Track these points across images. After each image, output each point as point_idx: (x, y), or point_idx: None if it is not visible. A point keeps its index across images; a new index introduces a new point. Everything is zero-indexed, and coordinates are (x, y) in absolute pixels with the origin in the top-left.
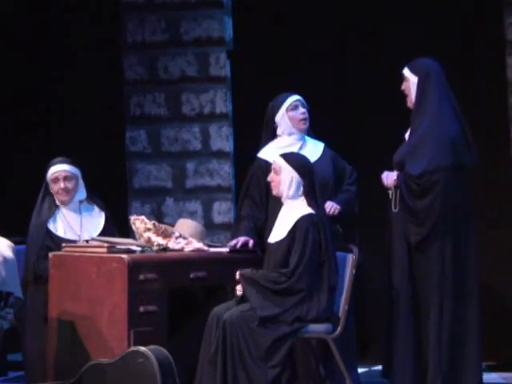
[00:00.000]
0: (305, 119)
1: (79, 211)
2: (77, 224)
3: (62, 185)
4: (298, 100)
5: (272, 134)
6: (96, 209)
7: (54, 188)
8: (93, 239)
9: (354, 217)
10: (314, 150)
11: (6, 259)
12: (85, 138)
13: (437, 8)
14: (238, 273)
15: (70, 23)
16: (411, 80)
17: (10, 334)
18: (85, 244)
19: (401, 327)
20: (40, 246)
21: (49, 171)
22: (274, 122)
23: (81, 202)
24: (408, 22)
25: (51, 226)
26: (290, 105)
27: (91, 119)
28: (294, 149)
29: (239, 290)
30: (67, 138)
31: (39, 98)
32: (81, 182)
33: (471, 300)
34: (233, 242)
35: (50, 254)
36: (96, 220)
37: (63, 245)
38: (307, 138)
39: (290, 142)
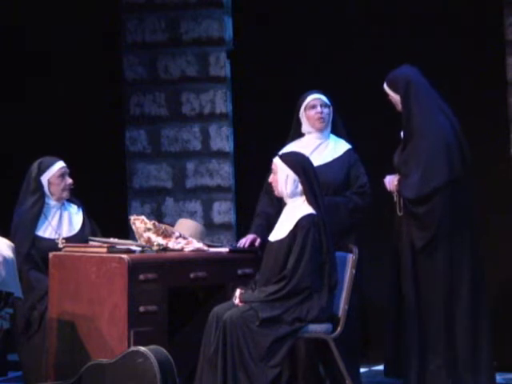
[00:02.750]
0: (320, 118)
1: (60, 210)
2: (56, 222)
3: (70, 180)
4: (316, 99)
5: (299, 130)
6: (75, 208)
7: (59, 185)
8: (91, 240)
9: (340, 225)
10: (332, 151)
11: (5, 259)
12: (85, 138)
13: (437, 8)
14: (237, 296)
15: (70, 23)
16: (394, 97)
17: (9, 334)
18: (83, 244)
19: (407, 330)
20: (26, 256)
21: (50, 169)
22: (299, 119)
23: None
24: (408, 22)
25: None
26: (308, 104)
27: (91, 119)
28: (310, 148)
29: (237, 297)
30: (67, 137)
31: (39, 98)
32: None
33: (481, 302)
34: (242, 241)
35: (50, 254)
36: (75, 218)
37: (63, 245)
38: (333, 137)
39: (307, 141)
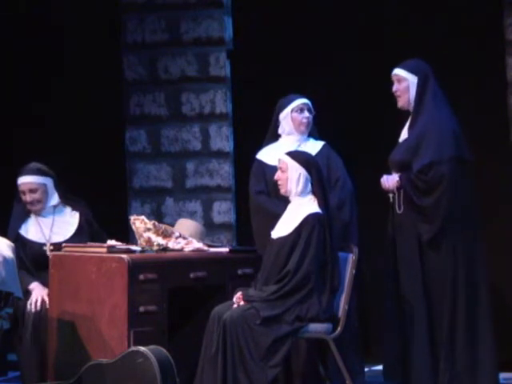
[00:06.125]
0: (306, 123)
1: (52, 215)
2: (47, 227)
3: (27, 198)
4: (305, 104)
5: (277, 132)
6: (69, 211)
7: (22, 198)
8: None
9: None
10: (311, 147)
11: (5, 259)
12: (85, 138)
13: (436, 8)
14: (238, 295)
15: (70, 23)
16: (410, 80)
17: (10, 333)
18: (83, 244)
19: (416, 327)
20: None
21: (18, 180)
22: (278, 120)
23: (55, 206)
24: (408, 22)
25: (22, 230)
26: (297, 106)
27: (91, 119)
28: (289, 148)
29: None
30: (67, 137)
31: (39, 98)
32: (50, 189)
33: (483, 297)
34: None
35: (50, 254)
36: (68, 222)
37: (64, 245)
38: (309, 139)
39: (287, 142)
